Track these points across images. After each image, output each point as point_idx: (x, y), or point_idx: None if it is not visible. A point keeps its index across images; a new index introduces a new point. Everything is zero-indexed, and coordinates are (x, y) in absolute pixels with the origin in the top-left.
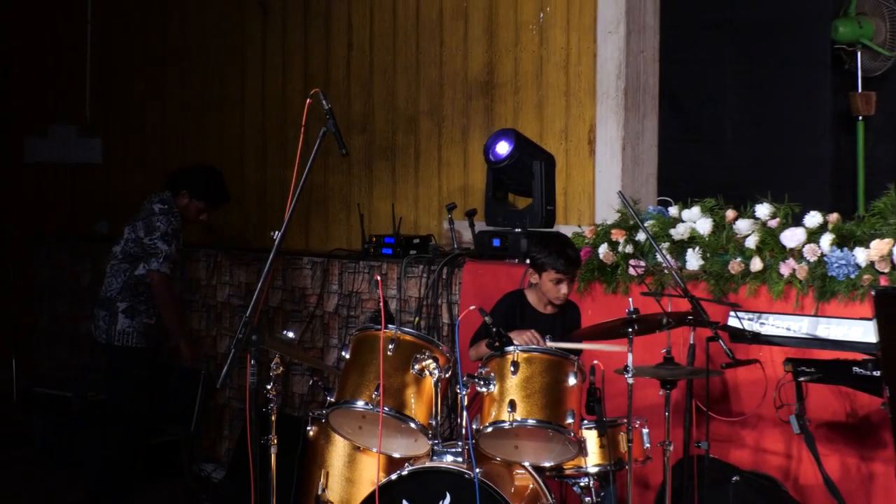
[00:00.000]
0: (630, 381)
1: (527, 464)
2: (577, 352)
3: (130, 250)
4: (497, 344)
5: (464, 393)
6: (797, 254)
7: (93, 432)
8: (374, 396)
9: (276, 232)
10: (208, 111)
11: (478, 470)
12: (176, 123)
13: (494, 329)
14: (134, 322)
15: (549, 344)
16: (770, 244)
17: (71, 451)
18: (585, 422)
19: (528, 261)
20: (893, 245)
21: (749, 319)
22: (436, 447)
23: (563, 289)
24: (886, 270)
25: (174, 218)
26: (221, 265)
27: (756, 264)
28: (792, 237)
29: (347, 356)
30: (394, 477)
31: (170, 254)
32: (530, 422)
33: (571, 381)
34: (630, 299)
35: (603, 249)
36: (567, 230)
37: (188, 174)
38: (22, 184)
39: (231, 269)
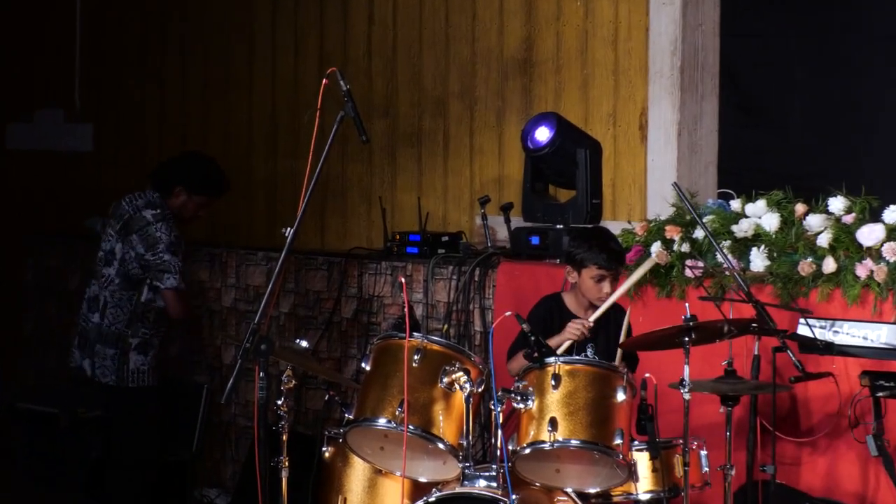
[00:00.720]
0: (687, 396)
1: (570, 490)
2: (633, 360)
3: (130, 272)
4: (536, 354)
5: (498, 410)
6: (875, 253)
7: (81, 454)
8: (397, 413)
9: (289, 228)
10: (212, 96)
11: (514, 497)
12: (176, 110)
13: (532, 337)
14: (147, 358)
15: (591, 318)
16: (845, 242)
17: (57, 473)
18: (636, 442)
19: (566, 258)
20: None
21: (821, 327)
22: (467, 471)
23: (606, 287)
24: None
25: (172, 222)
26: (227, 266)
27: (829, 265)
28: (870, 234)
29: (368, 368)
30: None
31: (180, 266)
32: (573, 442)
33: (620, 396)
34: (687, 305)
35: (656, 248)
36: (615, 226)
37: (179, 167)
38: (5, 174)
39: (238, 270)
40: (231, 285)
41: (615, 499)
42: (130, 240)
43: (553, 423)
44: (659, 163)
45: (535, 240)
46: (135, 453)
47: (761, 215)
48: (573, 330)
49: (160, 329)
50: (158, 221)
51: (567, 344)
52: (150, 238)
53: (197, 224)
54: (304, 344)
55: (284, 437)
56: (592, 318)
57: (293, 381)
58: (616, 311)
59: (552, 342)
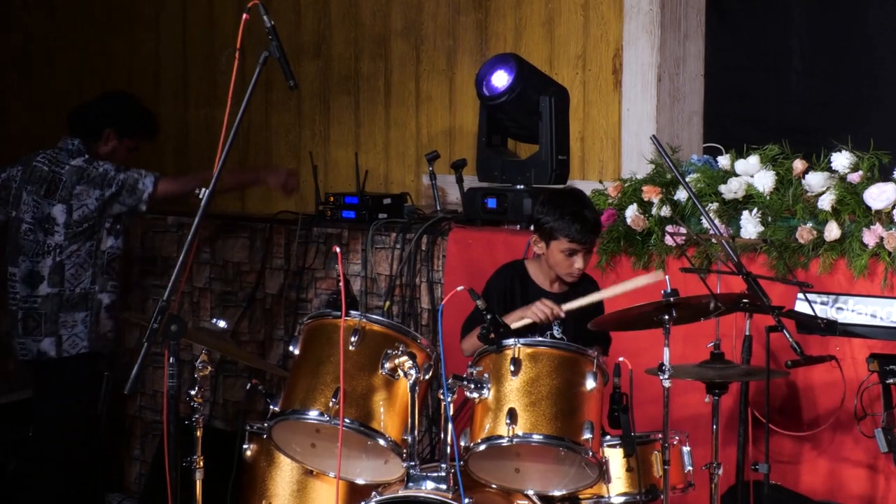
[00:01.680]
0: (667, 383)
1: (531, 492)
2: (605, 342)
3: (82, 226)
4: (492, 335)
5: (449, 400)
6: (886, 217)
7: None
8: (331, 405)
9: (203, 189)
10: (113, 32)
11: (467, 500)
12: (70, 49)
13: (489, 315)
14: (115, 322)
15: (566, 307)
16: (850, 205)
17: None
18: (608, 437)
19: (532, 227)
20: None
21: (822, 303)
22: (412, 471)
23: (578, 262)
24: None
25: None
26: (131, 234)
27: (832, 231)
28: (879, 195)
29: (297, 352)
30: None
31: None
32: (536, 437)
33: (590, 383)
34: (667, 277)
35: (631, 212)
36: (585, 186)
37: (106, 108)
38: None
39: (144, 238)
40: (136, 256)
41: (584, 502)
42: (77, 195)
43: (512, 414)
44: (635, 113)
45: (491, 202)
46: (74, 432)
47: (753, 174)
48: (538, 311)
49: (117, 282)
50: (90, 164)
51: (525, 322)
52: (96, 177)
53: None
54: (222, 324)
55: (199, 433)
56: (567, 307)
57: (209, 368)
58: (586, 284)
59: (510, 318)
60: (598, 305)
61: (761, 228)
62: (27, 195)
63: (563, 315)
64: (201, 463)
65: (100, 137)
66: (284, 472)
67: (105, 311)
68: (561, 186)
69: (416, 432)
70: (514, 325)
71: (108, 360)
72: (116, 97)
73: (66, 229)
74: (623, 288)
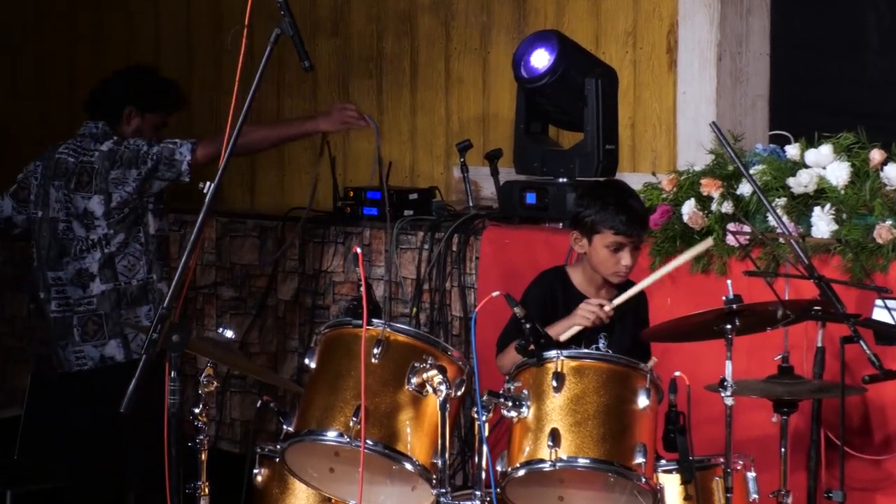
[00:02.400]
0: (729, 401)
1: None
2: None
3: (123, 211)
4: (531, 346)
5: (484, 419)
6: None
7: None
8: (352, 424)
9: (208, 183)
10: (107, 9)
11: None
12: (57, 26)
13: (527, 325)
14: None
15: (615, 303)
16: None
17: None
18: (663, 462)
19: (571, 221)
20: None
21: None
22: (443, 499)
23: (625, 258)
24: None
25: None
26: None
27: None
28: None
29: (313, 365)
30: None
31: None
32: (581, 461)
33: (642, 401)
34: (729, 282)
35: (689, 208)
36: (635, 180)
37: (124, 84)
38: None
39: None
40: None
41: None
42: (113, 181)
43: (555, 435)
44: (692, 96)
45: (530, 198)
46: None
47: (826, 165)
48: (586, 313)
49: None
50: (122, 142)
51: (573, 331)
52: (129, 156)
53: None
54: (230, 334)
55: (203, 457)
56: (615, 302)
57: (214, 383)
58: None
59: (554, 330)
60: (646, 315)
61: (835, 227)
62: (55, 191)
63: (611, 310)
64: (206, 490)
65: (121, 118)
66: (299, 500)
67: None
68: (606, 179)
69: (447, 455)
70: (562, 338)
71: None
72: (131, 72)
73: (107, 219)
74: (673, 265)
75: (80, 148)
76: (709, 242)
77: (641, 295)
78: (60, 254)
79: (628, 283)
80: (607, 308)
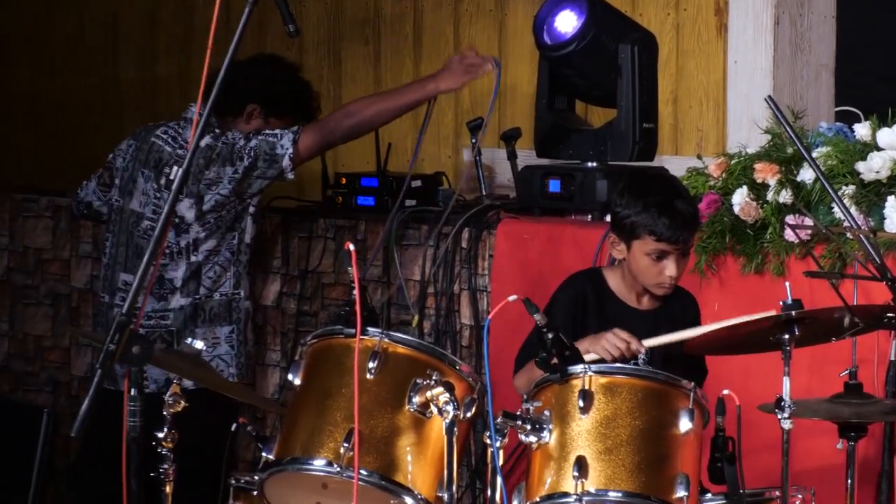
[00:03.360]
0: (787, 424)
1: None
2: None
3: (219, 213)
4: (554, 361)
5: (498, 445)
6: None
7: None
8: (343, 451)
9: (176, 168)
10: None
11: None
12: None
13: (550, 335)
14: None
15: (646, 343)
16: None
17: None
18: (709, 496)
19: (608, 219)
20: None
21: None
22: None
23: (670, 269)
24: None
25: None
26: (81, 223)
27: None
28: None
29: (298, 382)
30: None
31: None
32: (612, 495)
33: (685, 424)
34: (787, 284)
35: (740, 198)
36: (678, 165)
37: (255, 80)
38: None
39: (95, 228)
40: (86, 253)
41: None
42: (206, 182)
43: (581, 465)
44: (745, 66)
45: (554, 185)
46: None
47: None
48: (609, 346)
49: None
50: (220, 137)
51: (593, 356)
52: (225, 152)
53: (26, 159)
54: (199, 345)
55: (168, 489)
56: (649, 343)
57: (181, 403)
58: (683, 299)
59: (580, 346)
60: (696, 324)
61: None
62: (144, 181)
63: (643, 351)
64: None
65: (241, 113)
66: None
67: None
68: (646, 165)
69: (454, 488)
70: (587, 358)
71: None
72: (268, 64)
73: (200, 223)
74: (729, 323)
75: (179, 137)
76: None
77: (689, 298)
78: (139, 254)
79: (678, 292)
80: (635, 347)
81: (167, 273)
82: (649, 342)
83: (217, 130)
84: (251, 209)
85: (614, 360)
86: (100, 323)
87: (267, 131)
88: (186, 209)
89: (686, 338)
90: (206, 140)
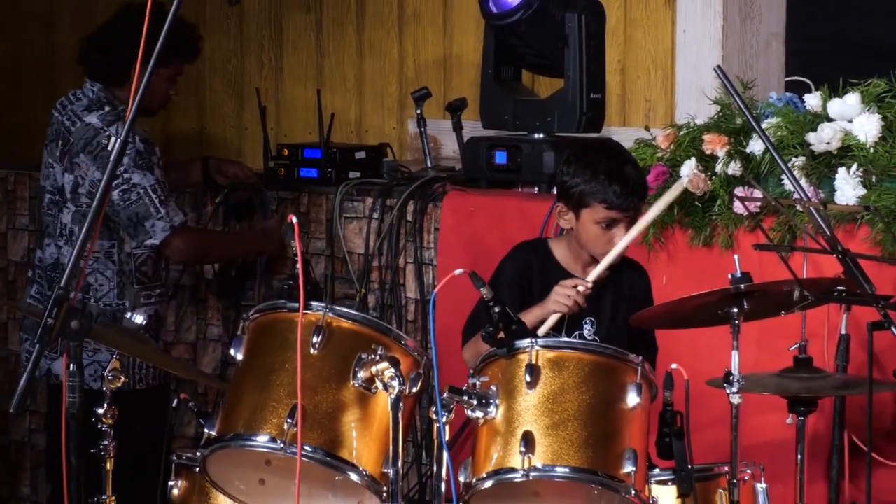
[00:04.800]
0: (736, 399)
1: None
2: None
3: (84, 204)
4: (501, 335)
5: (444, 421)
6: None
7: None
8: (286, 427)
9: (113, 139)
10: None
11: None
12: None
13: (497, 309)
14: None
15: (591, 277)
16: None
17: None
18: (657, 471)
19: (555, 189)
20: None
21: None
22: None
23: (619, 236)
24: None
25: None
26: (15, 196)
27: None
28: None
29: (240, 357)
30: None
31: (163, 187)
32: (560, 470)
33: (632, 399)
34: (736, 257)
35: (689, 169)
36: (626, 136)
37: (123, 32)
38: None
39: (32, 203)
40: (22, 227)
41: None
42: (77, 163)
43: (528, 440)
44: (694, 35)
45: (500, 157)
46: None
47: (852, 118)
48: (560, 297)
49: (166, 288)
50: (111, 125)
51: (551, 322)
52: (103, 157)
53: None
54: (139, 319)
55: (109, 466)
56: (591, 276)
57: (121, 379)
58: (632, 271)
59: (529, 316)
60: (646, 298)
61: (863, 192)
62: (47, 155)
63: (590, 287)
64: None
65: (127, 78)
66: None
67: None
68: (594, 136)
69: (399, 464)
70: (540, 332)
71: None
72: (127, 13)
73: (76, 207)
74: (649, 217)
75: (70, 109)
76: (681, 185)
77: (639, 271)
78: (42, 231)
79: (627, 262)
80: (582, 288)
81: (61, 255)
82: (593, 274)
83: (107, 107)
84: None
85: (570, 311)
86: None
87: (153, 195)
88: (67, 182)
89: (620, 250)
90: (95, 118)
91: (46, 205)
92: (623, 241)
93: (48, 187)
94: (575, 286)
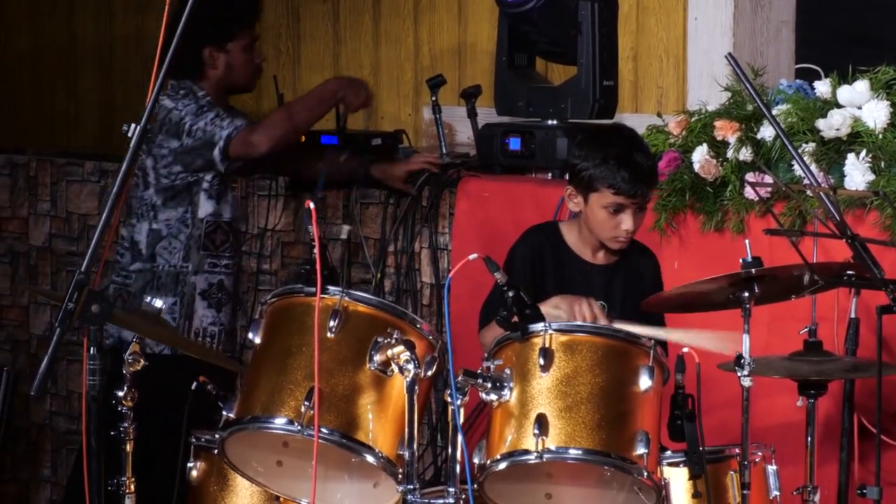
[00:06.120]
0: (746, 382)
1: None
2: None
3: (167, 183)
4: (515, 319)
5: (459, 403)
6: None
7: None
8: (303, 410)
9: (133, 125)
10: None
11: None
12: None
13: (511, 293)
14: (221, 316)
15: (618, 325)
16: None
17: None
18: (669, 453)
19: (566, 175)
20: None
21: None
22: (410, 496)
23: (626, 223)
24: None
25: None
26: (37, 182)
27: None
28: None
29: (258, 341)
30: None
31: (221, 114)
32: (573, 452)
33: (644, 382)
34: (747, 242)
35: (700, 155)
36: (638, 122)
37: (187, 31)
38: None
39: (54, 189)
40: (44, 213)
41: None
42: (157, 145)
43: (541, 422)
44: (705, 23)
45: (514, 143)
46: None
47: (862, 104)
48: (581, 312)
49: (234, 258)
50: (180, 98)
51: (561, 314)
52: (172, 124)
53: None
54: (159, 304)
55: (129, 448)
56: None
57: (141, 362)
58: (639, 257)
59: (553, 301)
60: (656, 283)
61: (872, 177)
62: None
63: (608, 321)
64: (132, 486)
65: (202, 63)
66: (241, 499)
67: (201, 299)
68: (606, 122)
69: (415, 446)
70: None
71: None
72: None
73: (156, 183)
74: (689, 339)
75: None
76: (731, 346)
77: (650, 256)
78: (129, 212)
79: (637, 248)
80: (601, 318)
81: (135, 235)
82: (620, 325)
83: (182, 92)
84: (205, 184)
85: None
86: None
87: (215, 116)
88: (150, 167)
89: (647, 335)
90: (166, 101)
91: (133, 185)
92: (655, 331)
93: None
94: (593, 310)
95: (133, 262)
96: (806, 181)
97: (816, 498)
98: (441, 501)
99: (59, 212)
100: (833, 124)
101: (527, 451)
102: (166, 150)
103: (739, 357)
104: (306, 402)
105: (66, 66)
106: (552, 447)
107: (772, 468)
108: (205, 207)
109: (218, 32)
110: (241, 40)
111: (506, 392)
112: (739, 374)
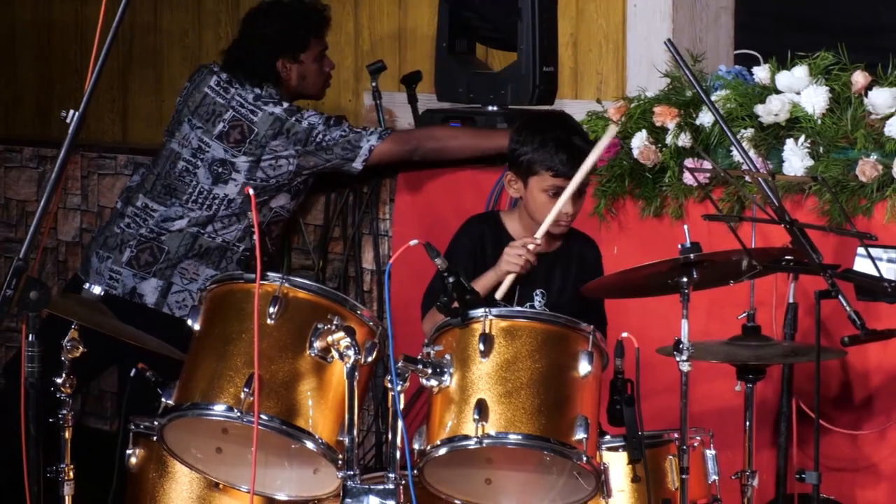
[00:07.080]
0: (685, 366)
1: None
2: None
3: (262, 178)
4: (455, 305)
5: (399, 389)
6: None
7: None
8: (243, 396)
9: (72, 112)
10: None
11: None
12: None
13: (451, 279)
14: None
15: (539, 233)
16: None
17: None
18: (608, 438)
19: (507, 160)
20: None
21: (891, 261)
22: (350, 483)
23: (566, 205)
24: None
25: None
26: (67, 173)
27: None
28: None
29: (197, 327)
30: None
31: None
32: (512, 437)
33: (584, 367)
34: (685, 227)
35: (639, 141)
36: (578, 108)
37: (259, 42)
38: None
39: (84, 181)
40: (74, 207)
41: None
42: (271, 150)
43: (481, 408)
44: (644, 9)
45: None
46: None
47: (800, 90)
48: (511, 258)
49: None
50: (295, 113)
51: (507, 284)
52: (301, 133)
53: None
54: (97, 290)
55: (67, 435)
56: (539, 233)
57: (80, 349)
58: (580, 243)
59: (480, 284)
60: (596, 269)
61: (810, 162)
62: (189, 129)
63: (539, 243)
64: (71, 473)
65: (279, 77)
66: (181, 486)
67: None
68: (546, 108)
69: (355, 432)
70: (497, 295)
71: None
72: (250, 18)
73: (247, 179)
74: (588, 164)
75: (234, 93)
76: (614, 129)
77: (589, 243)
78: (168, 192)
79: (578, 235)
80: (531, 246)
81: (188, 213)
82: (540, 231)
83: (286, 104)
84: (298, 180)
85: (523, 270)
86: (103, 230)
87: (351, 127)
88: (242, 164)
89: (567, 198)
90: (277, 110)
91: (180, 172)
92: (566, 191)
93: (185, 155)
94: (524, 244)
95: (182, 217)
96: (745, 167)
97: (755, 482)
98: (381, 487)
99: (90, 207)
100: (772, 110)
101: (467, 437)
102: (282, 154)
103: (678, 342)
104: (246, 389)
105: (4, 52)
106: (492, 432)
107: (710, 453)
108: (278, 200)
109: (291, 44)
110: (313, 50)
111: (446, 378)
112: (678, 358)
